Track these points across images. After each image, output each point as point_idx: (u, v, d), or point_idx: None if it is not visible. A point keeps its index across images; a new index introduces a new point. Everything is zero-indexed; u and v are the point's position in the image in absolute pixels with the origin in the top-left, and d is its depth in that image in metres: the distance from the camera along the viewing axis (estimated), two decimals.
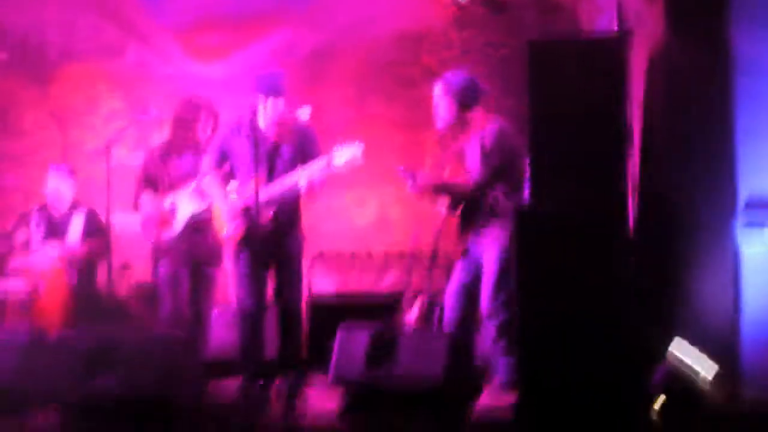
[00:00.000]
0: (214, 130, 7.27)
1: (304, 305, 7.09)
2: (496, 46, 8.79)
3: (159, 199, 7.29)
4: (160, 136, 7.55)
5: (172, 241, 7.23)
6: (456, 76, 6.68)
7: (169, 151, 7.39)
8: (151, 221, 7.30)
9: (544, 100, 5.56)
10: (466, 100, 6.61)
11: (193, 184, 7.16)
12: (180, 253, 7.21)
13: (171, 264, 7.23)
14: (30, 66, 9.25)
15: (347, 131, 8.65)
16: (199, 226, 7.18)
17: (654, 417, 5.37)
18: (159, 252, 7.31)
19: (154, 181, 7.35)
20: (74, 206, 7.98)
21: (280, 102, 6.65)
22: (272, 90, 6.61)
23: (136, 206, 7.38)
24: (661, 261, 6.08)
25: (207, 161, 6.88)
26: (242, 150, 6.69)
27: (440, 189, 6.70)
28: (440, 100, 6.65)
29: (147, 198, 7.31)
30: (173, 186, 7.28)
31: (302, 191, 6.56)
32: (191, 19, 9.16)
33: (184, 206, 7.22)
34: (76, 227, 7.86)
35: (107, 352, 5.89)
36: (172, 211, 7.24)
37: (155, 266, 7.30)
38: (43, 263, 7.55)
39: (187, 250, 7.21)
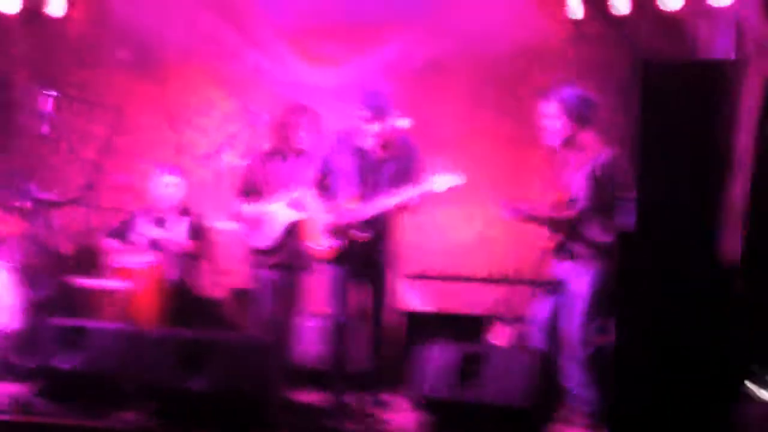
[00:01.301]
0: (317, 135, 7.27)
1: (400, 322, 7.07)
2: (611, 64, 8.64)
3: (260, 204, 7.32)
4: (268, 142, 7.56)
5: (269, 247, 7.27)
6: (570, 92, 6.50)
7: (271, 156, 7.43)
8: (250, 229, 7.34)
9: (654, 121, 5.49)
10: (580, 116, 6.44)
11: (295, 193, 7.18)
12: (278, 260, 7.24)
13: (268, 271, 7.28)
14: (148, 65, 9.40)
15: (456, 146, 8.63)
16: (295, 232, 7.21)
17: None
18: (257, 257, 7.35)
19: (257, 187, 7.40)
20: (181, 208, 8.08)
21: (387, 122, 6.62)
22: (379, 111, 6.58)
23: (238, 216, 7.44)
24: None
25: (311, 173, 6.91)
26: (345, 165, 6.69)
27: (543, 221, 6.52)
28: (554, 118, 6.47)
29: (247, 207, 7.35)
30: (274, 191, 7.31)
31: (398, 211, 6.55)
32: (307, 25, 9.21)
33: (283, 213, 7.24)
34: (181, 228, 7.96)
35: (201, 352, 5.97)
36: (272, 218, 7.26)
37: (254, 271, 7.34)
38: (147, 262, 7.66)
39: (288, 257, 7.25)
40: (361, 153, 6.52)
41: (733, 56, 6.43)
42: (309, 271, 7.31)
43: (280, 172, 7.37)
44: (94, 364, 6.22)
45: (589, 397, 6.31)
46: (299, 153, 7.33)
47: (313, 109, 7.39)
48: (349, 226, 6.51)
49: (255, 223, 7.33)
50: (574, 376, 6.32)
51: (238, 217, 7.44)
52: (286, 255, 7.27)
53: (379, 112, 6.58)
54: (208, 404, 5.87)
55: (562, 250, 6.48)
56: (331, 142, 6.84)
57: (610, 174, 6.36)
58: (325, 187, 6.85)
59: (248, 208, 7.36)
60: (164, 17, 9.35)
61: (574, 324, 6.36)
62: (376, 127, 6.61)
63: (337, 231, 6.67)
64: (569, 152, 6.56)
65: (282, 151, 7.39)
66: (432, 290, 8.67)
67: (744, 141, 6.26)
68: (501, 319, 6.92)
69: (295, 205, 7.17)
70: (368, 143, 6.66)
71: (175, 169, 8.18)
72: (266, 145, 7.60)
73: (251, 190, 7.41)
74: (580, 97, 6.48)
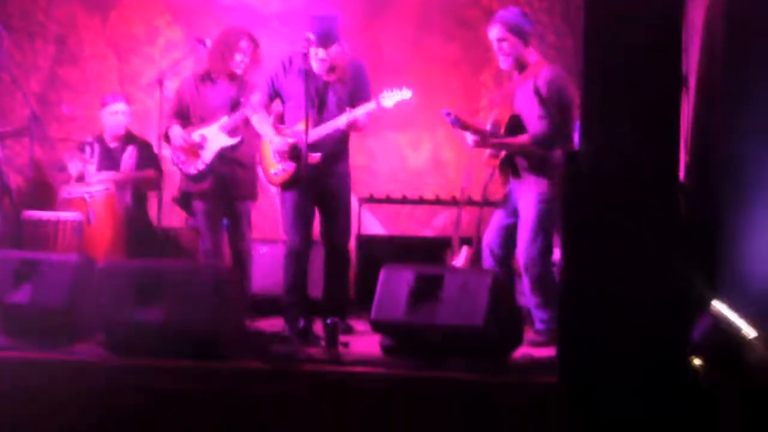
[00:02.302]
0: (252, 61, 7.22)
1: (352, 246, 7.10)
2: None
3: (187, 130, 7.25)
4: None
5: (198, 174, 7.21)
6: (510, 12, 6.57)
7: (204, 79, 7.33)
8: (179, 153, 7.27)
9: (599, 43, 5.47)
10: (524, 33, 6.50)
11: (224, 119, 7.13)
12: (209, 189, 7.19)
13: (203, 201, 7.23)
14: None
15: (404, 70, 8.61)
16: (231, 159, 7.17)
17: (695, 367, 5.32)
18: (186, 186, 7.31)
19: (186, 109, 7.32)
20: (128, 138, 8.02)
21: (334, 49, 6.60)
22: (326, 38, 6.55)
23: (166, 137, 7.34)
24: (709, 207, 5.99)
25: (257, 97, 6.88)
26: (293, 88, 6.67)
27: (496, 146, 6.58)
28: (502, 40, 6.50)
29: (176, 130, 7.25)
30: (205, 114, 7.24)
31: (349, 131, 6.57)
32: None
33: (214, 140, 7.18)
34: (129, 157, 7.91)
35: (153, 282, 5.95)
36: (201, 145, 7.20)
37: (186, 200, 7.30)
38: (96, 192, 7.60)
39: (219, 186, 7.19)
40: (307, 76, 6.48)
41: None
42: (251, 197, 7.29)
43: (210, 95, 7.27)
44: (46, 296, 6.16)
45: (541, 316, 6.43)
46: (232, 77, 7.25)
47: (252, 34, 7.29)
48: (300, 148, 6.49)
49: (185, 148, 7.24)
50: (527, 296, 6.44)
51: (167, 141, 7.34)
52: (216, 184, 7.19)
53: (326, 37, 6.55)
54: (163, 335, 5.84)
55: (507, 167, 6.54)
56: (277, 66, 6.79)
57: (555, 88, 6.43)
58: (271, 110, 6.85)
59: (178, 131, 7.25)
60: None
61: (521, 244, 6.45)
62: (322, 52, 6.58)
63: (288, 154, 6.65)
64: (513, 71, 6.65)
65: (214, 73, 7.28)
66: (382, 213, 8.73)
67: (691, 61, 6.31)
68: (461, 241, 6.96)
69: (229, 128, 7.12)
70: (316, 67, 6.62)
71: (118, 97, 8.11)
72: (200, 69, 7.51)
73: (181, 114, 7.33)
74: (519, 14, 6.55)
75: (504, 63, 6.58)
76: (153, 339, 5.80)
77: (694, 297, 5.55)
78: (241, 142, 7.09)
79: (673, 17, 5.42)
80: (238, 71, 7.22)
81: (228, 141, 7.13)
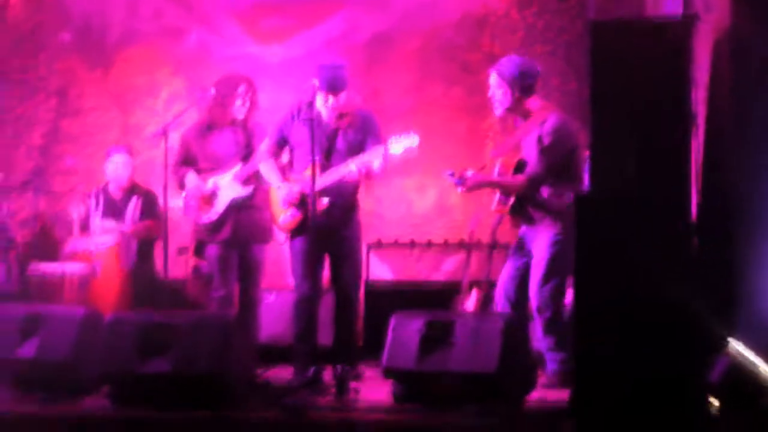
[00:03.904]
0: (252, 107, 7.23)
1: (361, 293, 7.06)
2: (560, 28, 8.66)
3: (201, 178, 7.24)
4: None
5: (213, 224, 7.19)
6: (510, 62, 6.56)
7: (207, 128, 7.33)
8: (193, 201, 7.27)
9: (606, 83, 5.47)
10: (523, 86, 6.49)
11: (237, 168, 7.12)
12: (225, 235, 7.17)
13: (218, 247, 7.21)
14: (92, 47, 9.29)
15: (407, 116, 8.62)
16: (245, 205, 7.15)
17: (713, 410, 5.25)
18: (201, 234, 7.31)
19: (193, 158, 7.32)
20: (132, 189, 8.00)
21: (342, 96, 6.61)
22: (334, 86, 6.56)
23: (180, 184, 7.33)
24: (723, 249, 5.95)
25: (265, 144, 6.89)
26: (301, 136, 6.65)
27: (493, 185, 6.59)
28: (496, 87, 6.54)
29: (191, 177, 7.25)
30: (213, 163, 7.23)
31: (358, 179, 6.54)
32: (252, 1, 9.14)
33: (226, 189, 7.17)
34: (133, 208, 7.88)
35: (160, 334, 5.90)
36: (214, 193, 7.19)
37: (201, 248, 7.29)
38: (101, 245, 7.58)
39: (233, 233, 7.16)
40: (313, 123, 6.47)
41: (681, 14, 6.44)
42: (263, 246, 7.25)
43: (216, 143, 7.27)
44: (51, 351, 6.11)
45: (555, 359, 6.38)
46: (234, 123, 7.24)
47: (249, 79, 7.30)
48: (308, 195, 6.47)
49: (197, 197, 7.24)
50: (540, 339, 6.39)
51: (182, 189, 7.32)
52: (231, 230, 7.17)
53: (334, 87, 6.55)
54: (170, 387, 5.79)
55: (518, 214, 6.54)
56: (286, 114, 6.79)
57: (558, 137, 6.42)
58: (281, 157, 6.83)
59: (193, 179, 7.25)
60: None
61: (533, 286, 6.43)
62: (331, 100, 6.59)
63: (296, 201, 6.63)
64: (516, 119, 6.68)
65: (216, 122, 7.29)
66: (390, 259, 8.68)
67: (698, 100, 6.29)
68: (470, 285, 6.93)
69: (241, 179, 7.11)
70: (325, 114, 6.62)
71: (122, 148, 8.11)
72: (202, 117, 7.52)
73: (188, 162, 7.33)
74: (519, 65, 6.53)
75: (496, 110, 6.61)
76: (160, 391, 5.77)
77: (710, 336, 5.50)
78: (253, 192, 7.07)
79: (681, 55, 5.42)
80: (240, 117, 7.22)
81: (241, 192, 7.13)
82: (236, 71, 7.56)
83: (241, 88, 7.21)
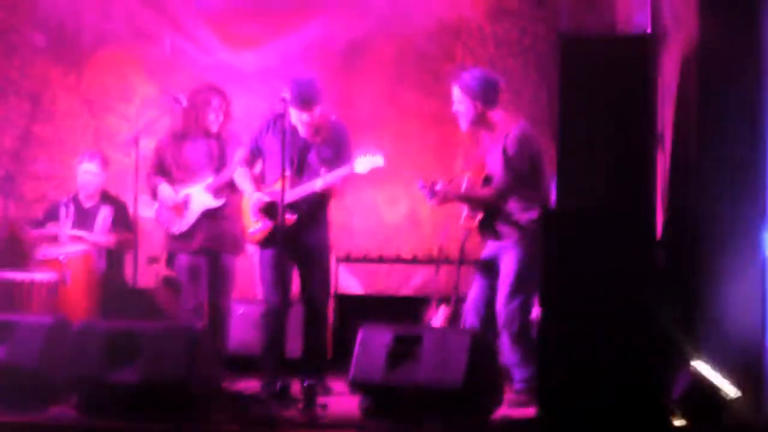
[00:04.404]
0: (226, 118, 7.25)
1: (330, 305, 7.07)
2: (532, 40, 8.70)
3: (172, 188, 7.25)
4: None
5: (184, 234, 7.20)
6: (472, 76, 6.58)
7: (181, 137, 7.34)
8: (165, 211, 7.27)
9: (573, 98, 5.53)
10: (486, 99, 6.51)
11: (210, 179, 7.13)
12: (196, 245, 7.18)
13: (188, 257, 7.21)
14: (65, 50, 9.25)
15: (380, 125, 8.63)
16: (216, 215, 7.16)
17: (676, 424, 5.30)
18: (172, 244, 7.31)
19: (167, 168, 7.32)
20: (103, 198, 7.97)
21: (316, 110, 6.63)
22: (307, 100, 6.58)
23: (153, 194, 7.34)
24: (688, 265, 5.99)
25: (239, 154, 6.93)
26: (273, 147, 6.67)
27: (461, 199, 6.64)
28: (459, 102, 6.56)
29: (165, 188, 7.26)
30: (186, 173, 7.25)
31: (326, 194, 6.57)
32: (227, 6, 9.16)
33: (198, 200, 7.18)
34: (104, 218, 7.86)
35: (128, 343, 5.89)
36: (185, 204, 7.20)
37: (172, 258, 7.29)
38: (71, 253, 7.55)
39: (204, 242, 7.17)
40: (284, 136, 6.47)
41: (649, 30, 6.49)
42: (234, 256, 7.25)
43: (190, 153, 7.28)
44: (20, 358, 6.09)
45: (522, 374, 6.40)
46: (207, 134, 7.25)
47: (222, 90, 7.31)
48: (277, 207, 6.48)
49: (171, 207, 7.24)
50: (507, 354, 6.41)
51: (155, 199, 7.33)
52: (202, 240, 7.18)
53: (307, 101, 6.58)
54: (137, 396, 5.79)
55: (486, 229, 6.56)
56: (262, 124, 6.83)
57: (522, 149, 6.45)
58: (255, 167, 6.87)
59: (167, 190, 7.26)
60: (79, 1, 9.19)
61: (500, 301, 6.44)
62: (305, 116, 6.61)
63: (265, 212, 6.65)
64: (481, 131, 6.70)
65: (190, 132, 7.29)
66: (359, 272, 8.69)
67: (665, 116, 6.33)
68: (439, 299, 6.95)
69: (213, 190, 7.11)
70: (301, 129, 6.66)
71: (94, 156, 8.07)
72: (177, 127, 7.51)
73: (162, 171, 7.34)
74: (481, 78, 6.56)
75: (461, 124, 6.62)
76: (127, 400, 5.76)
77: (674, 350, 5.54)
78: (225, 203, 7.07)
79: (647, 71, 5.47)
80: (213, 129, 7.22)
81: (212, 203, 7.15)
82: (209, 83, 7.55)
83: (215, 101, 7.23)
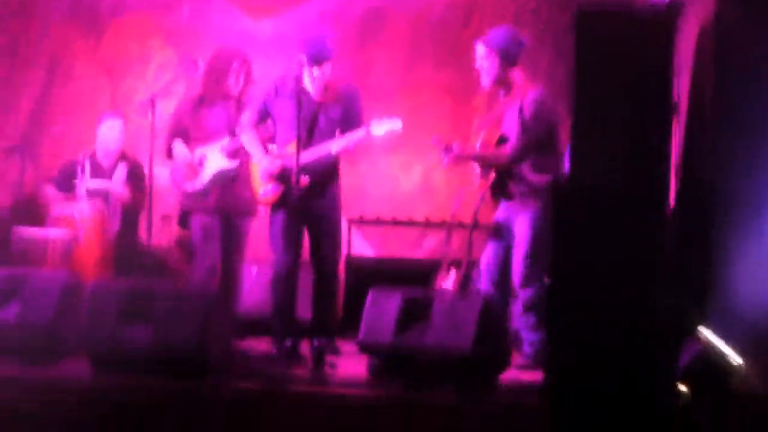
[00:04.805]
0: (247, 81, 7.22)
1: (341, 267, 7.10)
2: (549, 11, 8.69)
3: (189, 150, 7.25)
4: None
5: (198, 192, 7.20)
6: (497, 32, 6.62)
7: (200, 101, 7.32)
8: (180, 171, 7.28)
9: (589, 71, 5.49)
10: (509, 55, 6.53)
11: (225, 141, 7.13)
12: (210, 205, 7.19)
13: (202, 217, 7.21)
14: (84, 15, 9.27)
15: (396, 95, 8.64)
16: (230, 177, 7.16)
17: (682, 396, 5.32)
18: (186, 203, 7.31)
19: (185, 131, 7.31)
20: (120, 157, 8.01)
21: (327, 67, 6.63)
22: (318, 56, 6.58)
23: (168, 154, 7.35)
24: (699, 238, 6.00)
25: (247, 117, 6.89)
26: (285, 110, 6.68)
27: (474, 159, 6.64)
28: (483, 58, 6.57)
29: (179, 146, 7.28)
30: (204, 137, 7.23)
31: (337, 157, 6.59)
32: None
33: (213, 161, 7.17)
34: (120, 175, 7.91)
35: (142, 303, 5.94)
36: (201, 164, 7.20)
37: (186, 218, 7.31)
38: (86, 211, 7.59)
39: (217, 203, 7.18)
40: (300, 98, 6.48)
41: (667, 1, 6.47)
42: (248, 218, 7.27)
43: (208, 117, 7.26)
44: (33, 313, 6.14)
45: (532, 338, 6.42)
46: (228, 98, 7.24)
47: (244, 54, 7.29)
48: (289, 170, 6.50)
49: (184, 168, 7.25)
50: (518, 318, 6.44)
51: (170, 158, 7.35)
52: (216, 200, 7.18)
53: (318, 57, 6.57)
54: (150, 356, 5.84)
55: (498, 190, 6.57)
56: (270, 87, 6.81)
57: (538, 112, 6.46)
58: (262, 131, 6.85)
59: (181, 148, 7.26)
60: None
61: (516, 265, 6.45)
62: (315, 71, 6.61)
63: (277, 176, 6.66)
64: (500, 92, 6.70)
65: (209, 96, 7.29)
66: (372, 235, 8.72)
67: (681, 88, 6.33)
68: (450, 263, 6.97)
69: (228, 151, 7.14)
70: (310, 87, 6.64)
71: (116, 114, 8.12)
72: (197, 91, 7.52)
73: (180, 135, 7.32)
74: (507, 35, 6.59)
75: (484, 80, 6.63)
76: (139, 358, 5.81)
77: (682, 321, 5.56)
78: (239, 166, 7.09)
79: (664, 44, 5.44)
80: (234, 92, 7.23)
81: (227, 164, 7.13)
82: (231, 45, 7.56)
83: (236, 64, 7.21)
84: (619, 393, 5.13)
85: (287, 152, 6.58)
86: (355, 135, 6.54)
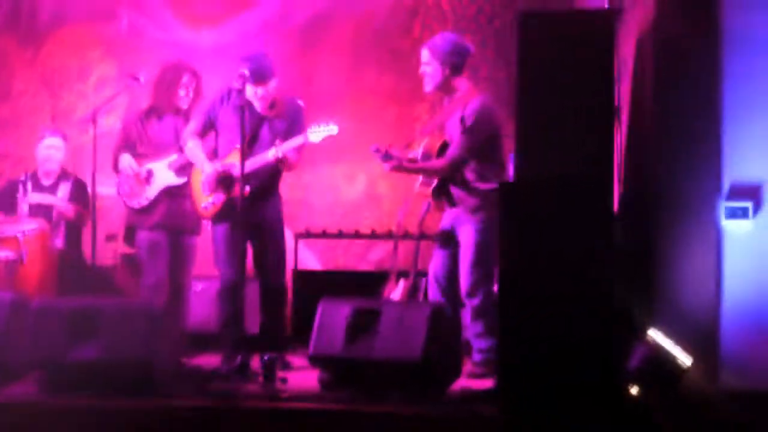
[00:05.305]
0: (196, 94, 7.22)
1: (288, 281, 7.08)
2: (489, 17, 8.72)
3: (138, 161, 7.21)
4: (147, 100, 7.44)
5: (144, 208, 7.17)
6: (443, 39, 6.61)
7: (148, 114, 7.30)
8: (126, 184, 7.24)
9: (532, 73, 5.56)
10: (453, 63, 6.53)
11: (173, 156, 7.10)
12: (156, 221, 7.16)
13: (149, 233, 7.18)
14: (22, 28, 9.16)
15: (339, 102, 8.63)
16: (177, 193, 7.13)
17: (632, 396, 5.36)
18: (132, 219, 7.27)
19: (133, 144, 7.27)
20: (62, 175, 7.93)
21: (271, 84, 6.65)
22: (260, 76, 6.59)
23: (115, 167, 7.30)
24: (644, 238, 6.06)
25: (191, 127, 6.88)
26: (228, 121, 6.68)
27: (414, 169, 6.62)
28: (427, 64, 6.57)
29: (127, 159, 7.22)
30: (152, 151, 7.20)
31: (279, 167, 6.58)
32: None
33: (160, 176, 7.15)
34: (62, 194, 7.82)
35: (88, 320, 5.89)
36: (148, 179, 7.17)
37: (131, 234, 7.26)
38: (28, 231, 7.50)
39: (164, 219, 7.15)
40: (243, 111, 6.47)
41: (606, 6, 6.54)
42: (196, 232, 7.24)
43: (157, 130, 7.24)
44: None
45: (482, 346, 6.43)
46: (177, 111, 7.22)
47: (192, 67, 7.28)
48: (231, 179, 6.49)
49: (132, 179, 7.21)
50: (468, 326, 6.45)
51: (117, 172, 7.30)
52: (163, 216, 7.15)
53: (260, 75, 6.59)
54: (98, 374, 5.79)
55: (441, 196, 6.57)
56: (215, 98, 6.82)
57: (479, 119, 6.45)
58: (206, 141, 6.85)
59: (128, 160, 7.21)
60: None
61: (462, 273, 6.46)
62: (260, 90, 6.62)
63: (218, 186, 6.65)
64: (444, 98, 6.72)
65: (159, 109, 7.26)
66: (318, 248, 8.70)
67: (622, 91, 6.39)
68: (398, 274, 6.97)
69: (176, 168, 7.10)
70: (257, 105, 6.67)
71: (58, 132, 8.03)
72: (144, 104, 7.47)
73: (128, 149, 7.27)
74: (451, 42, 6.58)
75: (427, 86, 6.62)
76: (88, 377, 5.76)
77: (631, 323, 5.60)
78: (186, 183, 7.04)
79: (605, 46, 5.50)
80: (183, 106, 7.21)
81: (174, 180, 7.12)
82: (180, 59, 7.51)
83: (186, 77, 7.21)
84: (570, 389, 5.18)
85: (228, 162, 6.57)
86: (293, 142, 6.55)
